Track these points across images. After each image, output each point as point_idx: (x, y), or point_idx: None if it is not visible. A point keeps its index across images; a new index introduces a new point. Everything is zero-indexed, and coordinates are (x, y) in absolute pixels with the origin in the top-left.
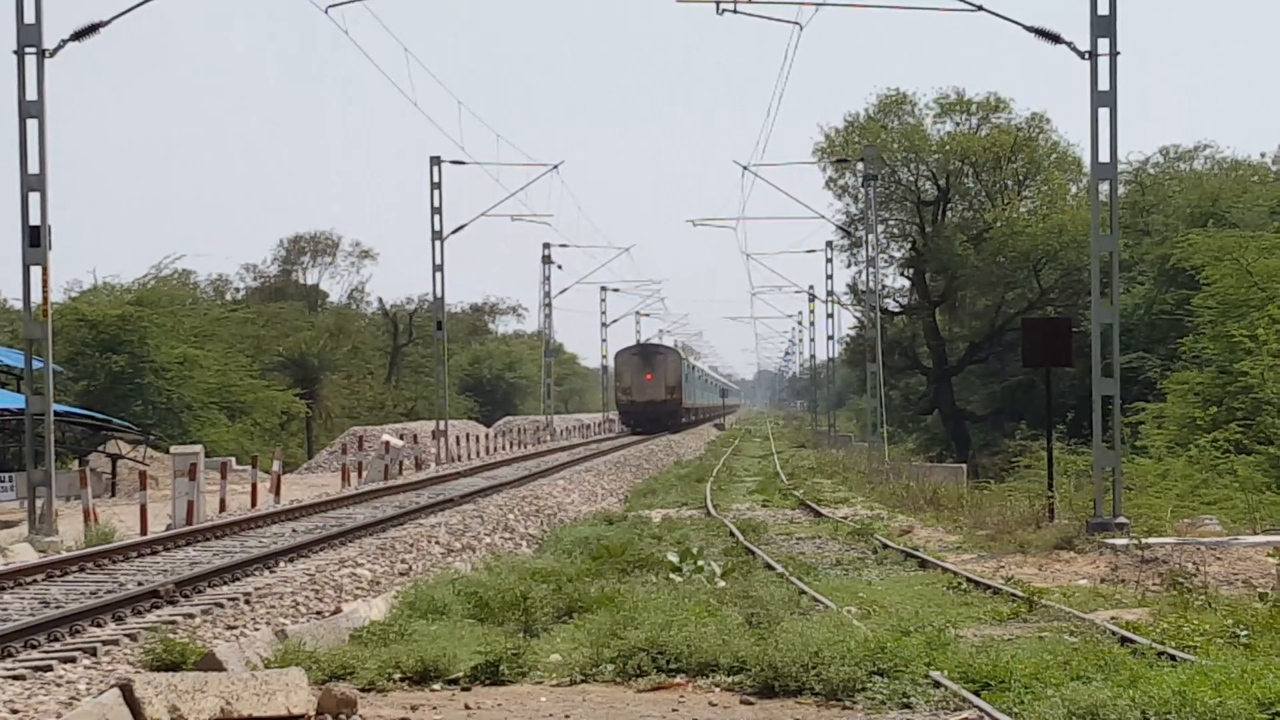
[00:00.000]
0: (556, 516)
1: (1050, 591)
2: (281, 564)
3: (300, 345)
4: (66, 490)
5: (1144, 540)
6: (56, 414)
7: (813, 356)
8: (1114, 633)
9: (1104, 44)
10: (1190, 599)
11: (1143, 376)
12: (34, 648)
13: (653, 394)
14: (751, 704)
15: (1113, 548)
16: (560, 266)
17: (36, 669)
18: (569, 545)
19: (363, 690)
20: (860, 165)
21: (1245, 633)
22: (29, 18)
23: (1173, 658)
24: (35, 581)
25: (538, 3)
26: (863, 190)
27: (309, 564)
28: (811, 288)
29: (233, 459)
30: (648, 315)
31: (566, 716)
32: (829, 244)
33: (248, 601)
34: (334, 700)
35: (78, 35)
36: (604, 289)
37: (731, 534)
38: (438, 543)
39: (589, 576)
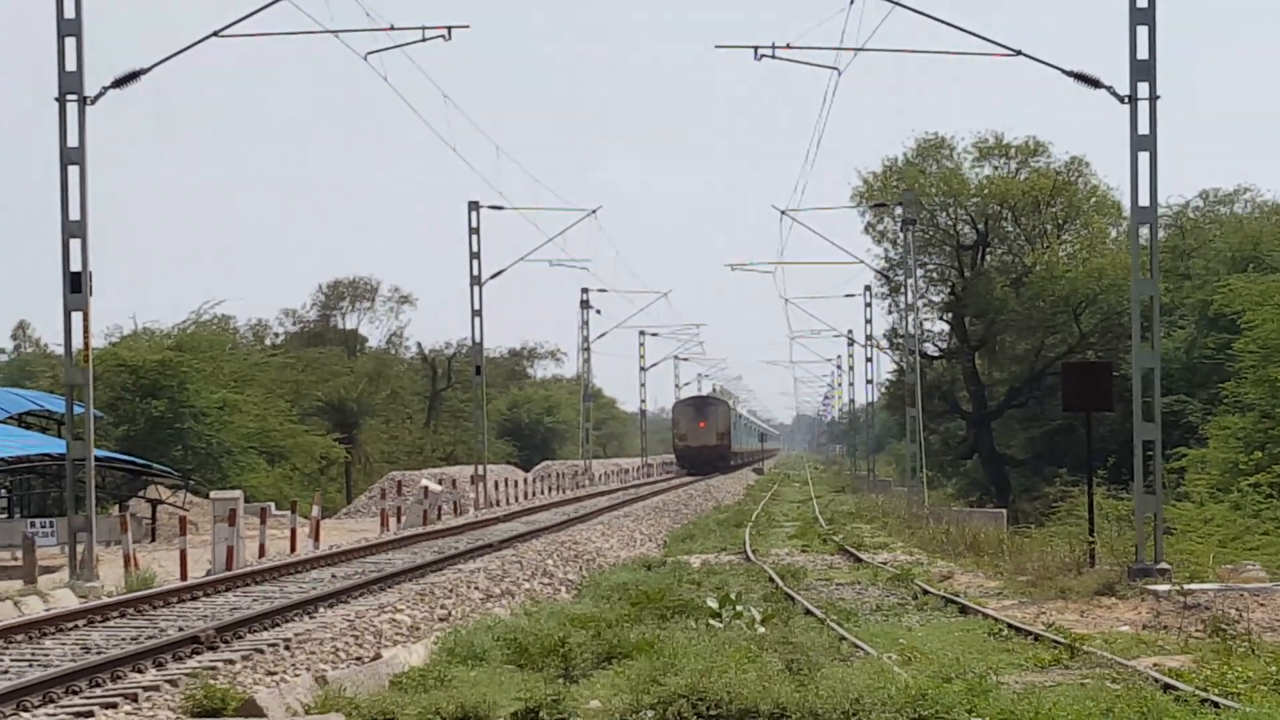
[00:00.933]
0: (595, 562)
1: (1092, 638)
2: (321, 609)
3: (339, 390)
4: (107, 535)
5: (1186, 586)
6: (97, 459)
7: (852, 401)
8: (1157, 680)
9: (1143, 88)
10: (1233, 646)
11: (1184, 421)
12: (76, 693)
13: (705, 439)
14: None
15: (1155, 594)
16: (599, 311)
17: (78, 715)
18: (608, 590)
19: None
20: (899, 210)
21: None
22: (70, 65)
23: (1216, 705)
24: (76, 627)
25: (575, 48)
26: (901, 235)
27: (349, 609)
28: (850, 332)
29: (272, 504)
30: (686, 360)
31: None
32: (868, 288)
33: (288, 647)
34: None
35: (118, 82)
36: (642, 333)
37: (771, 579)
38: (477, 588)
39: (628, 622)
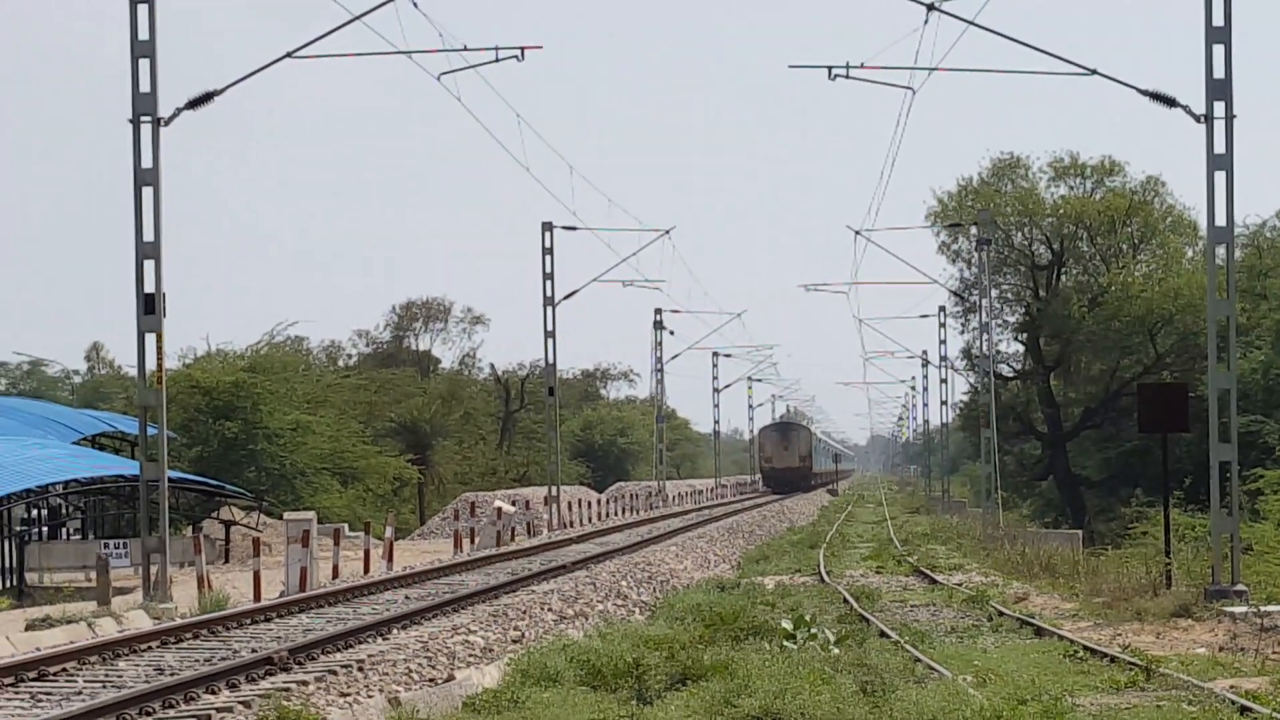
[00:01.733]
0: (669, 583)
1: (1168, 660)
2: (394, 631)
3: (412, 411)
4: (181, 557)
5: (1263, 608)
6: (171, 481)
7: (926, 422)
8: (1234, 702)
9: (1220, 107)
10: None
11: (1260, 441)
12: (149, 715)
13: (789, 461)
14: None
15: (1231, 615)
16: (672, 332)
17: None
18: (682, 612)
19: None
20: (973, 229)
21: None
22: (144, 86)
23: None
24: (150, 648)
25: (648, 68)
26: (976, 255)
27: (422, 631)
28: (925, 353)
29: (345, 525)
30: (759, 380)
31: None
32: (942, 309)
33: (361, 669)
34: None
35: (192, 104)
36: (716, 354)
37: (845, 601)
38: (550, 610)
39: (702, 644)
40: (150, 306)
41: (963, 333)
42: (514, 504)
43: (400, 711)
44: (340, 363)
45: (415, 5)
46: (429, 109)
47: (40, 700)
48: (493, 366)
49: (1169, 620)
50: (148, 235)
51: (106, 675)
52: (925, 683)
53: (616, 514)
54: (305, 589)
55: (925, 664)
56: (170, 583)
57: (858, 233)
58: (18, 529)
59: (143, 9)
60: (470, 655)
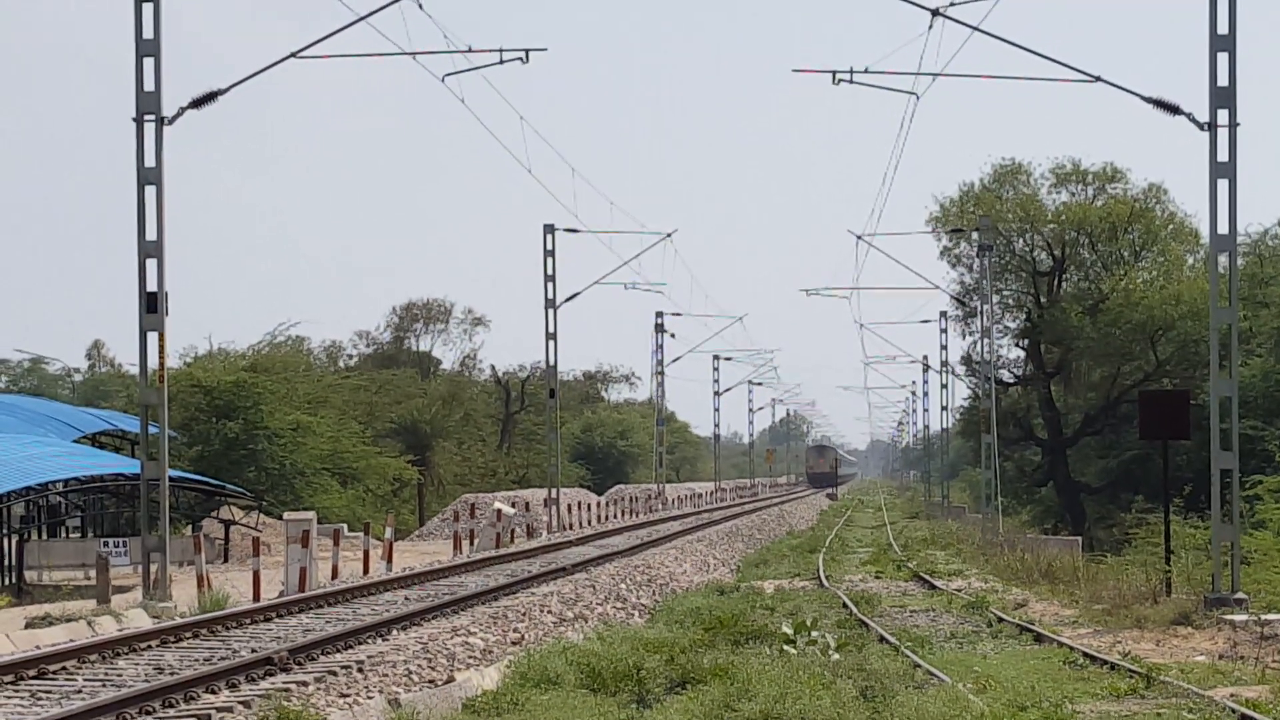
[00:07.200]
0: (669, 586)
1: (1168, 668)
2: (394, 632)
3: (412, 412)
4: (180, 556)
5: (1263, 616)
6: (171, 479)
7: (926, 427)
8: (1234, 710)
9: (1223, 115)
10: None
11: (1260, 449)
12: (149, 714)
13: (823, 469)
14: None
15: (1231, 624)
16: (673, 335)
17: None
18: (681, 615)
19: None
20: (975, 235)
21: None
22: (148, 85)
23: None
24: (150, 648)
25: (651, 71)
26: (977, 260)
27: (421, 632)
28: (925, 358)
29: (345, 526)
30: (760, 384)
31: None
32: (943, 314)
33: (361, 669)
34: None
35: (196, 103)
36: (716, 358)
37: (845, 606)
38: (550, 612)
39: (702, 647)
40: (152, 305)
41: (964, 338)
42: (513, 506)
43: (400, 713)
44: (341, 363)
45: (420, 6)
46: (433, 110)
47: (40, 699)
48: (493, 368)
49: (1169, 628)
50: (150, 234)
51: (106, 674)
52: (925, 688)
53: (616, 516)
54: (305, 589)
55: (925, 670)
56: (170, 582)
57: (859, 237)
58: (17, 527)
59: (147, 8)
60: (470, 657)
